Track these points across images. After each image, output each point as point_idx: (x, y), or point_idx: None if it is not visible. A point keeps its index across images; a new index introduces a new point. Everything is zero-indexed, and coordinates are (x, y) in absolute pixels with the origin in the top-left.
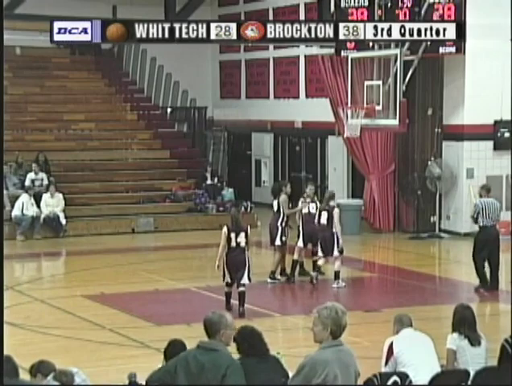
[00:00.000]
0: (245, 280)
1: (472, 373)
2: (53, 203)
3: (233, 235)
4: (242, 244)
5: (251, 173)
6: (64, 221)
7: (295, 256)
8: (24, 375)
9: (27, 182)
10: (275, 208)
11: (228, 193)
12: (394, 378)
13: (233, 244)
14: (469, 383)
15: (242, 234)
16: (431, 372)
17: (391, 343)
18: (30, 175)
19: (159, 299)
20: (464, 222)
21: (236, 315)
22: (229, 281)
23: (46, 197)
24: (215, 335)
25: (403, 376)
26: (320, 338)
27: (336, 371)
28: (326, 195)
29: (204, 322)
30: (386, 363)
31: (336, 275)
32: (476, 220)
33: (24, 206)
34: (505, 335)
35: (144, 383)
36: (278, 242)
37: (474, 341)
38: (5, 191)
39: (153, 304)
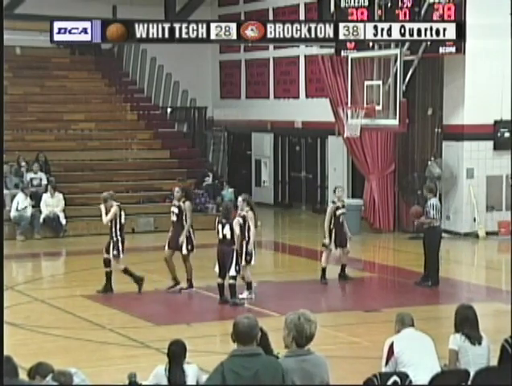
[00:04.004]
0: (232, 272)
1: (472, 373)
2: (53, 203)
3: (219, 226)
4: (228, 236)
5: (251, 173)
6: (63, 221)
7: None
8: (24, 376)
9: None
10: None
11: (228, 193)
12: (394, 378)
13: (220, 235)
14: (469, 383)
15: (228, 226)
16: (431, 372)
17: (392, 343)
18: (30, 175)
19: (159, 299)
20: (464, 222)
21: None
22: (217, 270)
23: (46, 197)
24: (253, 340)
25: (403, 376)
26: (286, 344)
27: (296, 382)
28: None
29: (240, 328)
30: (387, 363)
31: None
32: (435, 219)
33: (19, 205)
34: (505, 335)
35: (144, 383)
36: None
37: (476, 341)
38: (5, 191)
39: (153, 304)
